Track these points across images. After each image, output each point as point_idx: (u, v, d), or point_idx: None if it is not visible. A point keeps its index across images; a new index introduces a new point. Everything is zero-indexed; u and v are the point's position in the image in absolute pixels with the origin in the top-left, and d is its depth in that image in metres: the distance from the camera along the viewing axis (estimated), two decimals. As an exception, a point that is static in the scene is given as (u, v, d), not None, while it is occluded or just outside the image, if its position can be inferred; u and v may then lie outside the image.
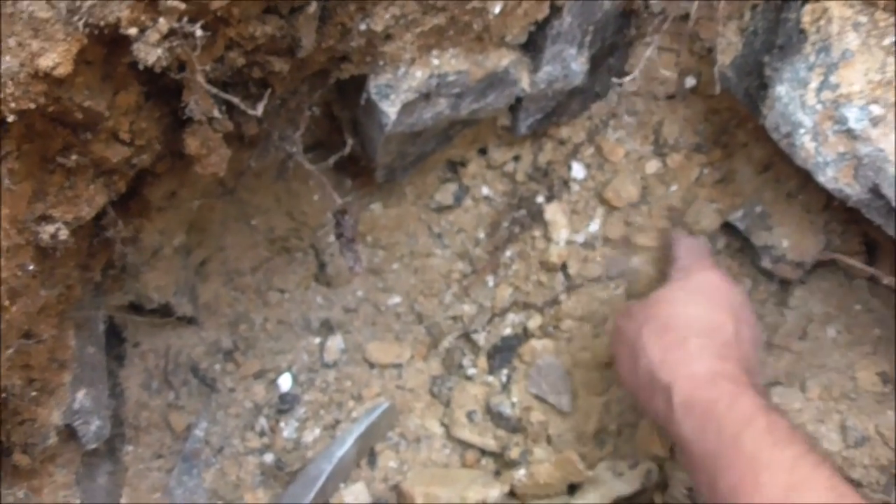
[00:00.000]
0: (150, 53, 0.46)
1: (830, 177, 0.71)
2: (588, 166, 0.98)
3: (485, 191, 1.00)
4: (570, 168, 0.99)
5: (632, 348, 0.72)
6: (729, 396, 0.62)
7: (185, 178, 0.80)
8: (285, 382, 0.94)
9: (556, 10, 0.76)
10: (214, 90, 0.54)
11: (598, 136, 0.97)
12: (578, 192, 0.98)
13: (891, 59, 0.66)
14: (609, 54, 0.90)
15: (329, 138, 0.88)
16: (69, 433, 0.72)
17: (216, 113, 0.56)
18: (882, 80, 0.66)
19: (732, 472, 0.58)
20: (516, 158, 0.99)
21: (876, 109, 0.67)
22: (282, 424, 0.92)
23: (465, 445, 0.92)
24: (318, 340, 0.97)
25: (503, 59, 0.77)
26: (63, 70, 0.44)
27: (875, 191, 0.68)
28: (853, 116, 0.68)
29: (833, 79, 0.69)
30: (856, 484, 0.80)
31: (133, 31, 0.46)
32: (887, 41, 0.66)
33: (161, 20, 0.46)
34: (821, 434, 0.83)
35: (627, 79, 0.77)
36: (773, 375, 0.89)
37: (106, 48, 0.50)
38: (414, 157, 0.89)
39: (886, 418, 0.82)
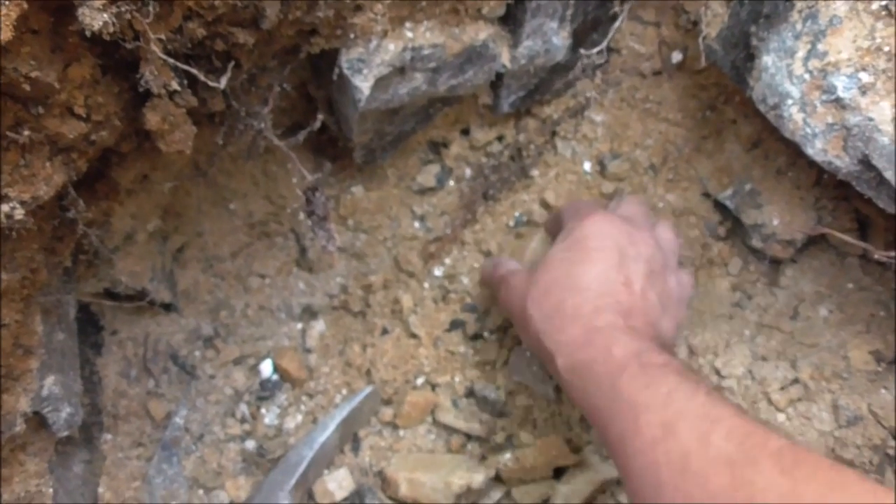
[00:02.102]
0: (95, 19, 0.44)
1: (819, 148, 0.69)
2: (572, 144, 0.96)
3: (468, 172, 0.97)
4: (554, 147, 0.96)
5: (521, 321, 0.71)
6: (603, 351, 0.61)
7: (156, 161, 0.77)
8: (266, 368, 0.92)
9: (534, -19, 0.74)
10: (172, 61, 0.52)
11: (583, 113, 0.94)
12: (561, 168, 0.96)
13: (880, 24, 0.64)
14: (593, 29, 0.87)
15: (306, 119, 0.86)
16: (39, 421, 0.70)
17: (176, 86, 0.54)
18: (871, 47, 0.64)
19: (616, 422, 0.57)
20: (500, 138, 0.97)
21: (865, 77, 0.64)
22: (263, 411, 0.90)
23: (450, 430, 0.90)
24: (299, 326, 0.96)
25: (481, 33, 0.75)
26: (3, 36, 0.42)
27: (865, 162, 0.66)
28: (841, 85, 0.66)
29: (821, 47, 0.67)
30: (848, 463, 0.78)
31: (77, -6, 0.43)
32: (876, 5, 0.64)
33: (106, -17, 0.44)
34: (812, 414, 0.81)
35: (595, 50, 0.75)
36: (764, 355, 0.87)
37: (52, 16, 0.47)
38: (393, 137, 0.87)
39: (879, 397, 0.80)
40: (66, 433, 0.73)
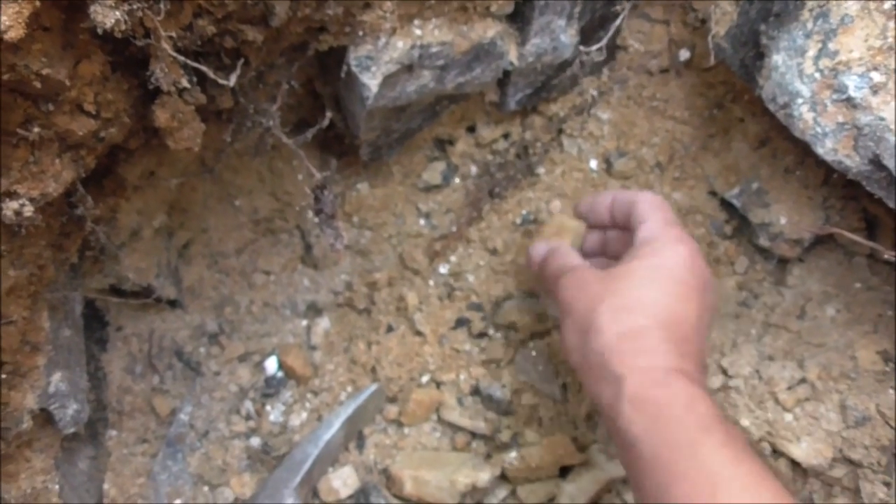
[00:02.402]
0: (107, 16, 0.44)
1: (829, 148, 0.69)
2: (578, 142, 0.96)
3: (473, 170, 0.97)
4: (560, 145, 0.96)
5: (582, 324, 0.64)
6: (685, 398, 0.57)
7: (162, 157, 0.77)
8: (271, 365, 0.92)
9: (543, -21, 0.74)
10: (182, 58, 0.52)
11: (589, 111, 0.94)
12: (567, 166, 0.96)
13: (891, 24, 0.64)
14: (600, 27, 0.87)
15: (313, 116, 0.86)
16: (45, 417, 0.70)
17: (185, 83, 0.54)
18: (883, 46, 0.64)
19: (687, 484, 0.54)
20: (505, 136, 0.96)
21: (876, 76, 0.64)
22: (268, 408, 0.90)
23: (456, 428, 0.90)
24: (304, 323, 0.95)
25: (489, 30, 0.75)
26: (15, 34, 0.42)
27: (876, 161, 0.66)
28: (853, 84, 0.65)
29: (832, 46, 0.67)
30: (856, 465, 0.78)
31: (89, -8, 0.43)
32: (888, 4, 0.64)
33: (119, -20, 0.43)
34: (820, 414, 0.81)
35: (594, 47, 0.74)
36: (771, 354, 0.87)
37: (64, 13, 0.47)
38: (399, 135, 0.87)
39: (887, 397, 0.80)
40: (72, 430, 0.72)
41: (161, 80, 0.52)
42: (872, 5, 0.64)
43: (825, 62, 0.67)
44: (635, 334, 0.61)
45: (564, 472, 0.87)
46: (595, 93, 0.94)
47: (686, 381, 0.58)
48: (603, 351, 0.61)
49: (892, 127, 0.63)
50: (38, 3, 0.43)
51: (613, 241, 0.79)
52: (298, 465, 0.84)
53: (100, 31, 0.45)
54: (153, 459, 0.87)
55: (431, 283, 0.96)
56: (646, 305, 0.63)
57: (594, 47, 0.76)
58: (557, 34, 0.80)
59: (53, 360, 0.69)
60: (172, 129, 0.57)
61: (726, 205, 0.94)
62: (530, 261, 0.80)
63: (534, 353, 0.90)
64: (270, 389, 0.91)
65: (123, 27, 0.45)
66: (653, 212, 0.71)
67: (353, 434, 0.90)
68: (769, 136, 0.89)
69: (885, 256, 0.75)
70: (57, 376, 0.69)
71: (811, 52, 0.68)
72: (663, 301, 0.63)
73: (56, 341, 0.70)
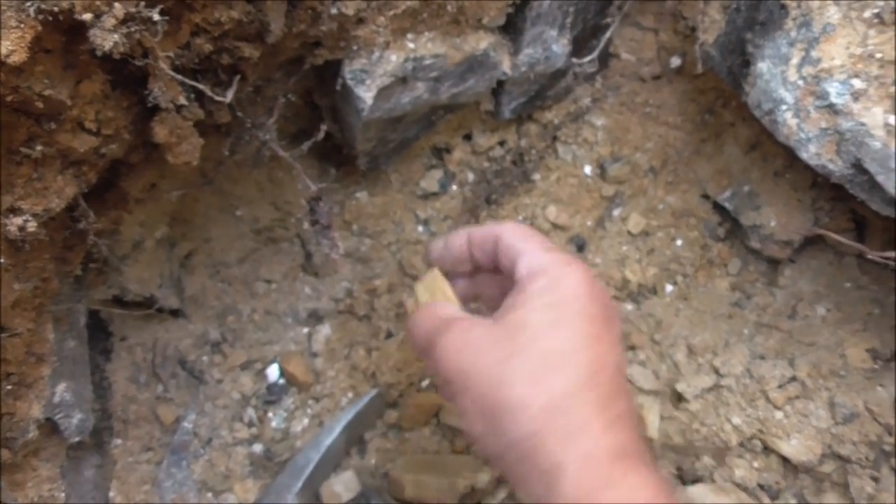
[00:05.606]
0: (106, 39, 0.46)
1: (813, 153, 0.70)
2: (573, 149, 0.97)
3: (470, 177, 0.99)
4: (555, 151, 0.98)
5: (489, 401, 0.50)
6: (638, 498, 0.47)
7: (163, 169, 0.79)
8: (273, 373, 0.93)
9: (533, -9, 0.75)
10: (179, 77, 0.53)
11: (583, 118, 0.96)
12: (562, 172, 0.97)
13: (872, 32, 0.65)
14: (593, 36, 0.89)
15: (311, 126, 0.87)
16: (51, 427, 0.72)
17: (183, 100, 0.56)
18: (863, 54, 0.65)
19: None
20: (501, 143, 0.98)
21: (857, 83, 0.66)
22: (270, 415, 0.92)
23: (455, 431, 0.91)
24: (305, 330, 0.97)
25: (482, 42, 0.77)
26: (18, 58, 0.44)
27: (858, 166, 0.67)
28: (834, 91, 0.67)
29: (814, 54, 0.68)
30: (845, 460, 0.80)
31: (88, 16, 0.45)
32: (868, 13, 0.65)
33: (117, 5, 0.45)
34: (809, 411, 0.83)
35: (586, 59, 0.76)
36: (762, 353, 0.88)
37: (64, 36, 0.49)
38: (396, 144, 0.88)
39: (876, 394, 0.81)
40: (77, 439, 0.74)
41: (159, 98, 0.54)
42: (854, 14, 0.66)
43: (808, 69, 0.68)
44: (563, 407, 0.48)
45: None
46: (589, 100, 0.96)
47: (633, 474, 0.47)
48: (528, 437, 0.48)
49: (873, 132, 0.64)
50: (39, 28, 0.45)
51: (484, 285, 0.65)
52: (300, 470, 0.85)
53: (99, 53, 0.47)
54: (158, 467, 0.89)
55: (430, 289, 0.98)
56: (562, 359, 0.50)
57: (586, 59, 0.78)
58: (549, 44, 0.82)
59: (58, 371, 0.71)
60: (171, 144, 0.59)
61: (719, 208, 0.96)
62: (408, 330, 0.61)
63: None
64: (272, 396, 0.92)
65: (122, 49, 0.47)
66: (525, 241, 0.57)
67: (355, 439, 0.91)
68: (759, 140, 0.90)
69: (870, 257, 0.76)
70: (62, 387, 0.71)
71: (795, 60, 0.70)
72: (579, 347, 0.50)
73: (61, 352, 0.71)
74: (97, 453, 0.85)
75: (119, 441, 0.89)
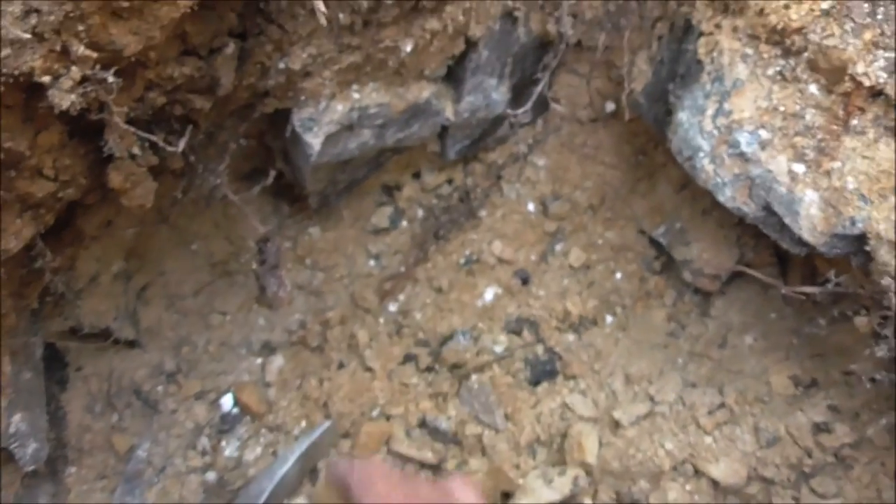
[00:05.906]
0: (64, 99, 0.49)
1: (729, 196, 0.76)
2: (517, 187, 1.03)
3: (419, 213, 1.03)
4: (500, 189, 1.03)
5: None
6: None
7: (119, 208, 0.82)
8: (227, 402, 0.96)
9: (472, 45, 0.80)
10: (133, 129, 0.57)
11: (525, 158, 1.01)
12: (507, 209, 1.02)
13: (776, 87, 0.72)
14: (531, 83, 0.94)
15: (264, 166, 0.92)
16: (6, 456, 0.74)
17: (137, 150, 0.59)
18: (769, 107, 0.72)
19: None
20: (449, 181, 1.03)
21: (764, 134, 0.72)
22: (223, 443, 0.94)
23: (405, 459, 0.95)
24: (259, 361, 1.00)
25: (424, 91, 0.82)
26: (-21, 116, 0.47)
27: (768, 208, 0.73)
28: (744, 140, 0.73)
29: (727, 106, 0.75)
30: (768, 482, 0.85)
31: (47, 78, 0.49)
32: (771, 70, 0.71)
33: (74, 68, 0.49)
34: (736, 436, 0.88)
35: (521, 111, 0.81)
36: (694, 381, 0.94)
37: (24, 93, 0.52)
38: (346, 184, 0.93)
39: (796, 419, 0.87)
40: (32, 467, 0.76)
41: (115, 148, 0.57)
42: (759, 71, 0.72)
43: (721, 120, 0.74)
44: None
45: (507, 496, 0.92)
46: (531, 141, 1.02)
47: None
48: None
49: (779, 178, 0.70)
50: (1, 88, 0.48)
51: None
52: (254, 498, 0.88)
53: (57, 111, 0.50)
54: (112, 495, 0.90)
55: (381, 320, 1.02)
56: None
57: (520, 111, 0.83)
58: (489, 92, 0.87)
59: (14, 402, 0.73)
60: (126, 189, 0.62)
61: (654, 243, 1.01)
62: None
63: (476, 386, 0.96)
64: (226, 425, 0.95)
65: (79, 107, 0.51)
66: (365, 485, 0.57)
67: (308, 469, 0.94)
68: (688, 180, 0.96)
69: (783, 292, 0.82)
70: (17, 417, 0.73)
71: (710, 111, 0.76)
72: None
73: (16, 384, 0.74)
74: (52, 482, 0.87)
75: (74, 469, 0.91)
